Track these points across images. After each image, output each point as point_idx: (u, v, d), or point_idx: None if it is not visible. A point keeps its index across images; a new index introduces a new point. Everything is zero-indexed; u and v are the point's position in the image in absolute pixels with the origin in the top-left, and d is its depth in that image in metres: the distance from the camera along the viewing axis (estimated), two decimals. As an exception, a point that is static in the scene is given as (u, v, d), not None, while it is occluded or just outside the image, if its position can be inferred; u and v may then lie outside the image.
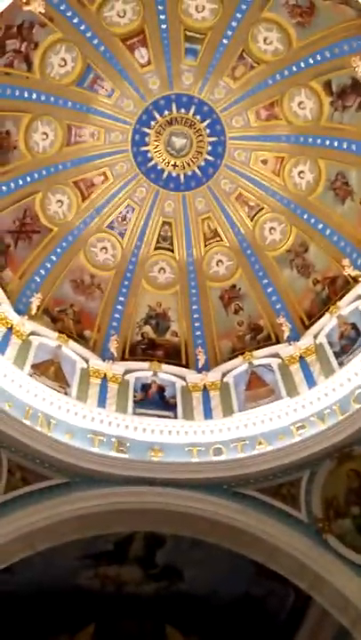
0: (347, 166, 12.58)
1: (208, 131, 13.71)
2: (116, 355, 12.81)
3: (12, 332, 11.35)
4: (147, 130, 13.61)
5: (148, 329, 13.65)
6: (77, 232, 13.53)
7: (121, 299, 13.66)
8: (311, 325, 12.55)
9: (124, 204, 14.00)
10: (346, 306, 11.95)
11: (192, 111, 13.54)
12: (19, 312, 11.88)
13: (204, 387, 12.26)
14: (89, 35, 12.05)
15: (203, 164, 14.01)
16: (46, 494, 9.33)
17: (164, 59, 12.80)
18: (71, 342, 12.33)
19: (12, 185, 12.26)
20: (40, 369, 11.15)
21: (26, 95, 11.88)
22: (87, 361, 12.27)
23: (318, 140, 12.92)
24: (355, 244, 12.33)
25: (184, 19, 12.29)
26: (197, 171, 14.08)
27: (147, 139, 13.70)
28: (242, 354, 12.74)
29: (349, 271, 12.20)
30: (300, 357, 12.00)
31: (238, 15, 12.13)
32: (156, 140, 13.77)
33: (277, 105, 13.14)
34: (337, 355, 11.28)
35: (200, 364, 12.92)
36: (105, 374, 12.13)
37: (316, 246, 13.22)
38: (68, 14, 11.57)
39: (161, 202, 14.17)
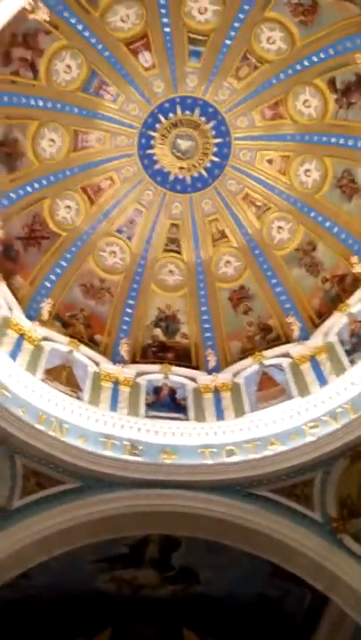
0: (353, 163, 12.57)
1: (213, 132, 13.73)
2: (126, 358, 12.85)
3: (24, 337, 11.42)
4: (152, 133, 13.66)
5: (157, 331, 13.69)
6: (86, 237, 13.60)
7: (130, 302, 13.72)
8: (321, 324, 12.51)
9: (132, 207, 14.06)
10: (356, 303, 11.92)
11: (197, 113, 13.57)
12: (30, 318, 11.98)
13: (215, 388, 12.26)
14: (93, 40, 12.12)
15: (209, 165, 14.03)
16: (61, 499, 9.38)
17: (168, 62, 12.83)
18: (82, 347, 12.40)
19: (21, 192, 12.36)
20: (52, 374, 11.23)
21: (32, 102, 11.98)
22: (98, 365, 12.33)
23: (324, 138, 12.91)
24: (363, 242, 12.31)
25: (187, 21, 12.32)
26: (203, 172, 14.10)
27: (152, 142, 13.74)
28: (252, 354, 12.73)
29: (358, 268, 12.18)
30: (311, 356, 11.95)
31: (241, 16, 12.14)
32: (161, 143, 13.81)
33: (282, 104, 13.14)
34: (348, 353, 11.25)
35: (210, 366, 12.94)
36: (116, 378, 12.18)
37: (325, 244, 13.19)
38: (73, 21, 11.65)
39: (168, 204, 14.21)
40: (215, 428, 11.12)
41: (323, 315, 12.64)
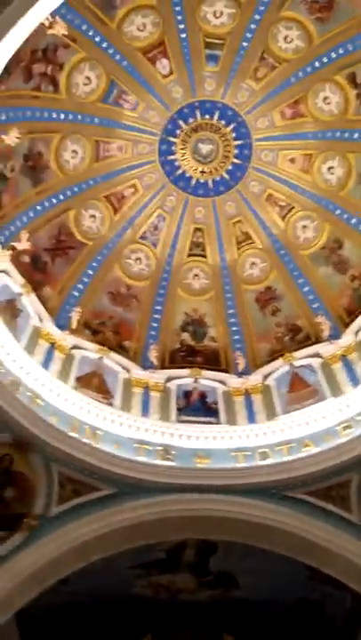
0: (377, 158, 12.37)
1: (234, 134, 13.74)
2: (156, 363, 12.92)
3: (55, 347, 11.62)
4: (173, 139, 13.74)
5: (185, 336, 13.72)
6: (111, 245, 13.76)
7: (157, 307, 13.79)
8: (351, 322, 12.31)
9: (155, 213, 14.17)
10: (386, 300, 11.71)
11: (216, 116, 13.60)
12: (60, 327, 12.17)
13: (246, 391, 12.21)
14: (111, 51, 12.29)
15: (230, 167, 14.03)
16: (97, 505, 9.47)
17: (186, 67, 12.91)
18: (112, 353, 12.53)
19: (47, 204, 12.59)
20: (84, 381, 11.39)
21: (54, 116, 12.19)
22: (128, 371, 12.43)
23: (346, 134, 12.77)
24: (391, 237, 12.11)
25: (203, 26, 12.38)
26: (225, 175, 14.11)
27: (173, 148, 13.83)
28: (282, 355, 12.63)
29: (387, 264, 11.97)
30: (342, 356, 11.79)
31: (257, 17, 12.13)
32: (182, 149, 13.88)
33: (302, 102, 13.06)
34: (381, 350, 11.07)
35: (240, 368, 12.89)
36: (147, 383, 12.26)
37: (351, 242, 13.01)
38: (90, 33, 11.82)
39: (191, 209, 14.26)
40: (247, 430, 11.07)
41: (352, 313, 12.44)
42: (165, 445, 10.55)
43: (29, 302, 11.60)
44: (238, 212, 14.25)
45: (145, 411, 11.56)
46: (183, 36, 12.45)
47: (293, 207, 13.80)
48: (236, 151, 13.86)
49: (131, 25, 12.13)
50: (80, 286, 13.12)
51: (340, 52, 11.99)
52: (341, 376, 11.40)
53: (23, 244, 11.73)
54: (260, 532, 9.68)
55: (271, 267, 13.98)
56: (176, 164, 14.00)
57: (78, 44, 11.83)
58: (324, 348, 12.22)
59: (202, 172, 14.07)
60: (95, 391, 11.35)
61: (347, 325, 12.39)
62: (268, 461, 10.13)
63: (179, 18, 12.20)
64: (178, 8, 12.05)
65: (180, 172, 14.06)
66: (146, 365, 12.80)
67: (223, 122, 13.63)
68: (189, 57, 12.75)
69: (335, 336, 12.37)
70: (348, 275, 12.92)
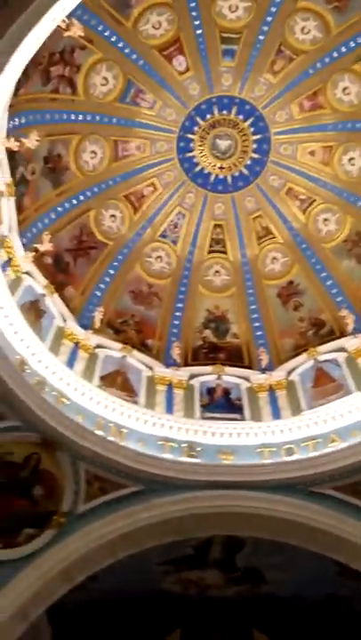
0: None
1: (252, 129, 13.65)
2: (179, 361, 12.96)
3: (79, 346, 11.75)
4: (191, 136, 13.73)
5: (208, 333, 13.72)
6: (132, 244, 13.84)
7: (179, 305, 13.83)
8: (376, 315, 12.17)
9: (175, 211, 14.18)
10: None
11: (234, 112, 13.53)
12: (83, 327, 12.30)
13: (270, 387, 12.15)
14: (127, 51, 12.32)
15: (249, 162, 13.95)
16: (123, 502, 9.54)
17: (202, 63, 12.87)
18: (135, 352, 12.61)
19: (67, 205, 12.73)
20: (108, 380, 11.50)
21: (73, 117, 12.31)
22: (152, 369, 12.49)
23: (367, 125, 12.56)
24: None
25: (218, 21, 12.32)
26: (244, 170, 14.03)
27: (191, 145, 13.81)
28: (306, 350, 12.53)
29: None
30: (367, 349, 11.65)
31: (273, 9, 12.02)
32: (200, 145, 13.85)
33: (321, 94, 12.91)
34: None
35: (263, 364, 12.83)
36: (170, 381, 12.30)
37: (375, 233, 12.83)
38: (106, 34, 11.88)
39: (210, 205, 14.24)
40: (272, 427, 11.02)
41: (377, 305, 12.29)
42: (190, 442, 10.58)
43: (53, 303, 11.75)
44: (258, 207, 14.17)
45: (169, 408, 11.61)
46: (199, 32, 12.41)
47: (314, 200, 13.66)
48: (254, 146, 13.77)
49: (146, 23, 12.14)
50: (102, 286, 13.24)
51: (359, 40, 11.82)
52: (367, 370, 11.26)
53: (45, 246, 11.87)
54: (287, 529, 9.64)
55: (293, 261, 13.87)
56: (194, 160, 13.98)
57: (95, 44, 11.90)
58: (349, 342, 12.08)
59: (220, 167, 14.02)
60: (119, 389, 11.44)
61: (371, 318, 12.24)
62: (294, 457, 10.07)
63: (194, 14, 12.17)
64: (193, 4, 12.01)
65: (198, 168, 14.04)
66: (169, 363, 12.84)
67: (241, 117, 13.55)
68: (205, 53, 12.71)
69: (360, 329, 12.20)
70: (371, 267, 12.76)
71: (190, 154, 13.91)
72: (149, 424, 10.84)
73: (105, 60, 12.24)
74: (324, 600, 11.46)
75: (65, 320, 12.02)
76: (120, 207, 13.68)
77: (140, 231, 13.93)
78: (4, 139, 10.15)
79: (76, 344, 11.76)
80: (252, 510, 9.71)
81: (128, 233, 13.82)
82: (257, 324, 13.55)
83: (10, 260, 10.67)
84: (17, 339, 9.89)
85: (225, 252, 14.31)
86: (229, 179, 14.11)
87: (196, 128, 13.65)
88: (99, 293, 13.10)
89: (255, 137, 13.69)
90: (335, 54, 12.27)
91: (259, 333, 13.42)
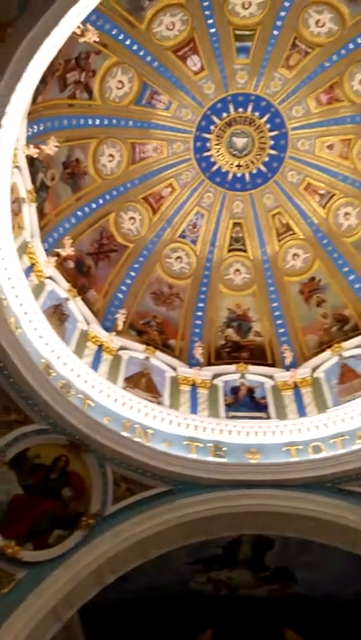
0: None
1: (268, 125, 13.59)
2: (202, 360, 12.96)
3: (103, 349, 11.85)
4: (207, 135, 13.72)
5: (230, 332, 13.69)
6: (152, 245, 13.90)
7: (200, 305, 13.84)
8: None
9: (194, 211, 14.20)
10: None
11: (250, 109, 13.49)
12: (106, 329, 12.40)
13: (295, 384, 12.06)
14: (142, 53, 12.38)
15: (267, 159, 13.89)
16: (151, 503, 9.53)
17: (217, 62, 12.86)
18: (158, 353, 12.66)
19: (87, 209, 12.85)
20: (132, 381, 11.56)
21: (90, 122, 12.43)
22: (175, 369, 12.52)
23: (386, 116, 12.40)
24: None
25: (232, 18, 12.29)
26: (262, 167, 13.97)
27: (208, 144, 13.81)
28: (330, 347, 12.42)
29: None
30: (394, 344, 11.49)
31: (286, 3, 11.97)
32: (217, 144, 13.84)
33: (338, 86, 12.81)
34: None
35: (287, 362, 12.75)
36: (194, 381, 12.31)
37: None
38: (120, 37, 11.95)
39: (229, 204, 14.21)
40: (298, 424, 10.93)
41: None
42: (216, 442, 10.56)
43: (76, 306, 11.86)
44: (277, 204, 14.09)
45: (193, 408, 11.61)
46: (212, 30, 12.40)
47: (334, 194, 13.53)
48: (271, 142, 13.70)
49: (160, 25, 12.18)
50: (123, 288, 13.32)
51: (376, 31, 11.67)
52: (394, 365, 11.10)
53: (67, 250, 12.01)
54: (316, 527, 9.54)
55: (314, 257, 13.75)
56: (212, 159, 13.97)
57: (109, 49, 11.99)
58: (374, 337, 11.93)
59: (238, 165, 13.98)
60: (144, 390, 11.49)
61: None
62: (322, 455, 9.97)
63: (207, 13, 12.16)
64: (206, 3, 12.02)
65: (216, 167, 14.03)
66: (192, 363, 12.86)
67: (257, 113, 13.50)
68: (220, 51, 12.70)
69: (385, 324, 12.06)
70: (395, 260, 12.58)
71: (207, 153, 13.90)
72: (174, 424, 10.85)
73: (120, 64, 12.32)
74: (355, 599, 11.31)
75: (88, 323, 12.13)
76: (139, 209, 13.75)
77: (159, 232, 13.98)
78: (23, 146, 10.30)
79: (100, 346, 11.86)
80: (280, 509, 9.64)
81: (148, 234, 13.88)
82: (279, 322, 13.47)
83: (33, 265, 10.83)
84: (42, 343, 10.02)
85: (245, 250, 14.26)
86: (247, 176, 14.07)
87: (212, 127, 13.65)
88: (120, 296, 13.19)
89: (272, 133, 13.62)
90: (351, 46, 12.15)
91: (281, 331, 13.34)
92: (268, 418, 11.43)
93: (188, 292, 13.93)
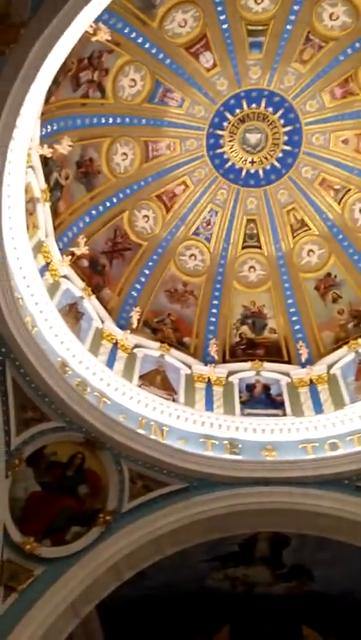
0: None
1: (282, 121, 13.49)
2: (217, 358, 12.94)
3: (118, 346, 11.90)
4: (220, 132, 13.67)
5: (245, 329, 13.65)
6: (165, 243, 13.90)
7: (215, 302, 13.81)
8: None
9: (207, 208, 14.16)
10: None
11: (263, 104, 13.39)
12: (121, 327, 12.44)
13: (311, 381, 12.00)
14: (154, 51, 12.35)
15: (281, 155, 13.79)
16: (168, 500, 9.58)
17: (229, 58, 12.79)
18: (173, 350, 12.67)
19: (101, 208, 12.89)
20: (147, 379, 11.60)
21: (103, 121, 12.45)
22: (190, 367, 12.52)
23: None
24: None
25: (244, 14, 12.19)
26: (276, 163, 13.88)
27: (221, 141, 13.76)
28: (346, 343, 12.33)
29: None
30: None
31: (299, -3, 11.82)
32: (230, 141, 13.77)
33: (352, 80, 12.66)
34: None
35: (303, 359, 12.67)
36: (209, 378, 12.30)
37: None
38: (132, 36, 11.94)
39: (243, 200, 14.15)
40: (315, 422, 10.87)
41: None
42: (231, 439, 10.56)
43: (90, 305, 11.93)
44: (291, 200, 13.99)
45: (209, 405, 11.61)
46: (225, 26, 12.31)
47: (349, 189, 13.39)
48: (285, 137, 13.61)
49: (172, 22, 12.13)
50: (138, 286, 13.36)
51: (391, 22, 11.51)
52: None
53: (81, 249, 12.06)
54: (333, 524, 9.50)
55: (329, 253, 13.64)
56: (225, 156, 13.92)
57: (122, 47, 11.98)
58: (392, 333, 11.80)
59: (251, 162, 13.91)
60: (159, 388, 11.53)
61: None
62: (339, 452, 9.90)
63: (219, 9, 12.08)
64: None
65: (229, 164, 13.97)
66: (207, 360, 12.85)
67: (270, 109, 13.41)
68: (232, 47, 12.61)
69: None
70: None
71: (220, 150, 13.85)
72: (190, 422, 10.88)
73: (132, 62, 12.31)
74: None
75: (103, 321, 12.20)
76: (152, 207, 13.76)
77: (173, 230, 13.98)
78: (37, 146, 10.36)
79: (115, 344, 11.91)
80: (297, 506, 9.62)
81: (161, 232, 13.89)
82: (295, 319, 13.40)
83: (48, 264, 10.92)
84: (57, 341, 10.11)
85: (259, 247, 14.20)
86: (261, 172, 13.99)
87: (225, 124, 13.59)
88: (135, 294, 13.23)
89: (286, 128, 13.52)
90: (366, 38, 11.98)
91: (297, 327, 13.27)
92: (285, 415, 11.39)
93: (203, 289, 13.91)
